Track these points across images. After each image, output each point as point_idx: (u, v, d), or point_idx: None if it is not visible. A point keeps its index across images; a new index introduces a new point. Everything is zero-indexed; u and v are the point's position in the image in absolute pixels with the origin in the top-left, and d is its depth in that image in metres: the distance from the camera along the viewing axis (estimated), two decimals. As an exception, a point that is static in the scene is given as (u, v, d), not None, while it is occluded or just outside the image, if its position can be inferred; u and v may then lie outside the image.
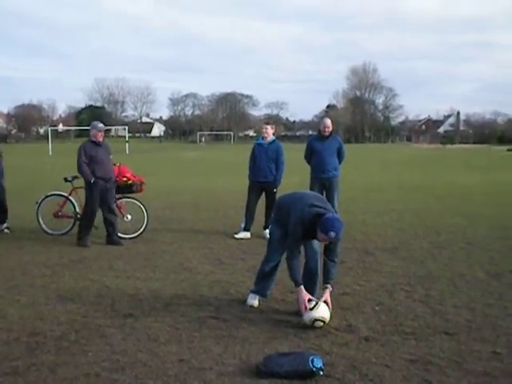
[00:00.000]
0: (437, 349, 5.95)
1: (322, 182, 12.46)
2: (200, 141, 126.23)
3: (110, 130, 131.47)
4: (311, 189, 12.36)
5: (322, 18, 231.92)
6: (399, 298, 7.80)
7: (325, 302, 6.75)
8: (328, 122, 12.71)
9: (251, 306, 7.39)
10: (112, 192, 11.73)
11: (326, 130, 12.51)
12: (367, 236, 12.35)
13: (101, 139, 11.58)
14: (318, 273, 7.32)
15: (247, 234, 12.37)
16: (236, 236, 12.37)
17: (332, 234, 6.46)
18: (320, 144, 12.55)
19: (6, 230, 12.65)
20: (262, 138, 12.46)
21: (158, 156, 58.07)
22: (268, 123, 12.46)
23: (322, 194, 12.02)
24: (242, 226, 12.52)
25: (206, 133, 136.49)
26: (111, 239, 11.62)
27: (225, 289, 8.22)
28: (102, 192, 11.45)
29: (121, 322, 6.76)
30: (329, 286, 6.96)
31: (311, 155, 12.75)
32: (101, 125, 11.64)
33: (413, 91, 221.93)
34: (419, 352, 5.86)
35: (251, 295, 7.53)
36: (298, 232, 6.77)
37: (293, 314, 7.01)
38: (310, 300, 6.72)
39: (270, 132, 12.42)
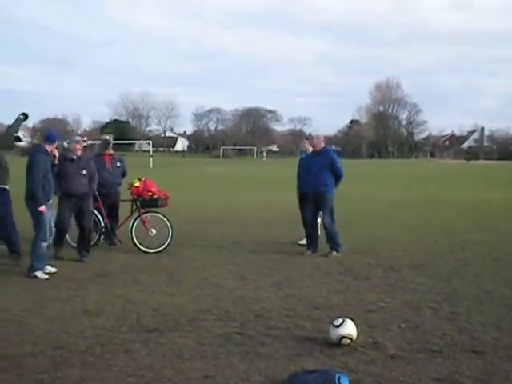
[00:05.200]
0: (464, 367, 5.87)
1: (313, 197, 12.31)
2: (262, 156, 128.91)
3: (134, 145, 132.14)
4: (300, 203, 12.97)
5: (346, 32, 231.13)
6: (425, 316, 7.73)
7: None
8: (315, 136, 12.93)
9: None
10: (85, 208, 11.59)
11: (306, 145, 13.23)
12: (392, 252, 12.27)
13: (78, 153, 11.58)
14: None
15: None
16: (299, 242, 13.05)
17: None
18: (312, 160, 12.60)
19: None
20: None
21: (182, 170, 58.26)
22: (307, 138, 12.92)
23: (315, 210, 12.35)
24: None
25: (267, 148, 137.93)
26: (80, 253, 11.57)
27: (249, 305, 8.19)
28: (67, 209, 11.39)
29: (145, 337, 6.76)
30: None
31: (299, 171, 13.13)
32: (78, 137, 11.74)
33: (436, 106, 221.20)
34: (446, 370, 5.79)
35: None
36: None
37: (319, 331, 6.97)
38: (337, 317, 6.67)
39: (307, 146, 13.23)
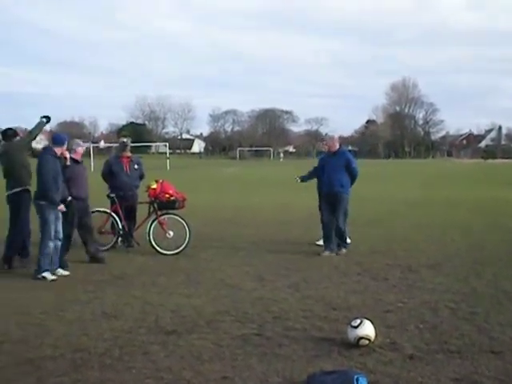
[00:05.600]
0: (482, 368, 5.85)
1: (329, 197, 12.37)
2: (279, 157, 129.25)
3: (150, 147, 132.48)
4: (321, 205, 12.70)
5: (361, 32, 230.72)
6: (443, 316, 7.70)
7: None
8: (329, 137, 13.03)
9: None
10: (87, 211, 11.68)
11: (325, 146, 12.86)
12: (409, 252, 12.23)
13: (80, 157, 11.61)
14: None
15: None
16: (317, 243, 13.09)
17: None
18: (328, 160, 12.63)
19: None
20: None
21: (198, 172, 58.35)
22: (323, 139, 12.98)
23: (331, 210, 12.32)
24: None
25: (283, 149, 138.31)
26: (94, 257, 11.55)
27: (267, 306, 8.20)
28: (76, 212, 11.31)
29: (164, 339, 6.78)
30: None
31: (319, 171, 12.96)
32: (81, 142, 11.80)
33: (453, 106, 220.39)
34: (464, 371, 5.77)
35: None
36: None
37: (337, 332, 6.97)
38: (355, 318, 6.66)
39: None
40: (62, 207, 10.20)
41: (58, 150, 10.35)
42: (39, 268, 10.07)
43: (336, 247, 12.30)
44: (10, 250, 10.76)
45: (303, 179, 13.41)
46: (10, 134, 11.20)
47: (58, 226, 10.36)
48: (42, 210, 10.13)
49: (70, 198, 10.86)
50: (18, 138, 11.24)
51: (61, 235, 10.44)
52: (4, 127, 11.70)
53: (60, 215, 10.41)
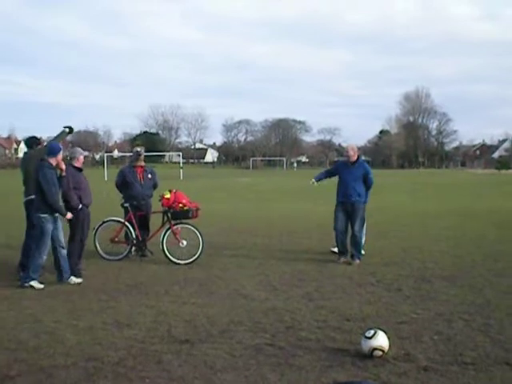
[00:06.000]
0: (497, 380, 5.81)
1: (345, 206, 12.47)
2: (293, 166, 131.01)
3: (164, 156, 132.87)
4: (336, 213, 12.64)
5: (374, 42, 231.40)
6: (458, 327, 7.65)
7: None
8: (350, 147, 12.96)
9: None
10: (89, 218, 11.61)
11: (348, 155, 12.73)
12: (424, 263, 12.16)
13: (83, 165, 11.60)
14: None
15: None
16: (332, 249, 13.27)
17: None
18: (346, 170, 12.66)
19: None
20: None
21: (212, 182, 58.38)
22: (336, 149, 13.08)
23: (346, 218, 12.46)
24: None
25: (296, 159, 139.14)
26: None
27: (280, 316, 8.17)
28: (86, 219, 11.35)
29: (177, 348, 6.77)
30: None
31: (332, 174, 13.05)
32: (81, 150, 11.80)
33: (466, 116, 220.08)
34: (479, 383, 5.73)
35: None
36: None
37: (350, 343, 6.94)
38: (368, 329, 6.63)
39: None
40: (69, 215, 10.27)
41: (53, 161, 10.36)
42: (27, 277, 10.15)
43: (350, 257, 12.35)
44: (25, 258, 10.79)
45: (318, 179, 13.31)
46: (32, 142, 11.28)
47: (59, 236, 10.46)
48: (43, 223, 10.21)
49: (80, 206, 10.91)
50: (39, 146, 11.28)
51: (63, 243, 10.52)
52: (22, 135, 11.81)
53: (60, 225, 10.47)
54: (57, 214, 10.40)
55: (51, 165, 10.30)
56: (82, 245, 11.29)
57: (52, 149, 10.52)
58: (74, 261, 11.05)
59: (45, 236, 10.22)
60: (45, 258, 10.28)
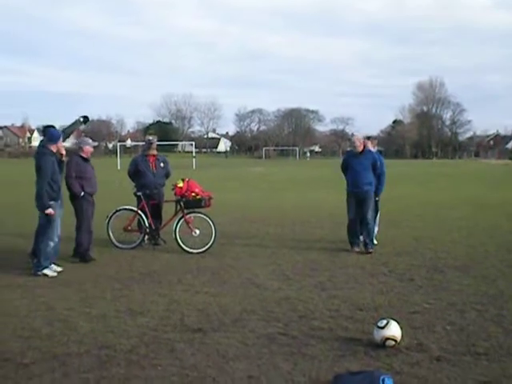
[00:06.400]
0: (510, 370, 5.78)
1: (357, 196, 12.52)
2: (306, 156, 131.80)
3: (176, 146, 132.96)
4: (348, 203, 12.70)
5: (388, 32, 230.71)
6: (470, 318, 7.61)
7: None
8: (355, 138, 12.97)
9: None
10: (94, 207, 11.78)
11: (355, 146, 12.74)
12: (436, 253, 12.12)
13: (90, 155, 11.70)
14: None
15: None
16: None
17: None
18: (354, 160, 12.71)
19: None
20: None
21: (224, 171, 58.40)
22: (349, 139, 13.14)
23: (357, 208, 12.49)
24: None
25: (309, 148, 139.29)
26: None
27: (293, 305, 8.17)
28: (89, 208, 11.54)
29: (190, 337, 6.78)
30: None
31: (346, 170, 12.94)
32: (91, 141, 11.83)
33: (480, 106, 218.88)
34: (492, 373, 5.70)
35: None
36: None
37: (363, 333, 6.93)
38: (381, 319, 6.62)
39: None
40: (50, 211, 10.19)
41: (53, 147, 10.38)
42: (39, 265, 10.20)
43: (363, 246, 12.43)
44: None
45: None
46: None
47: (57, 226, 10.51)
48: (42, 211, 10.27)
49: (82, 194, 11.03)
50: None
51: (56, 236, 10.49)
52: (36, 124, 11.87)
53: (60, 215, 10.53)
54: (59, 201, 10.45)
55: (51, 151, 10.32)
56: (90, 231, 11.47)
57: (52, 135, 10.53)
58: (83, 249, 11.14)
59: (51, 222, 10.25)
60: (52, 244, 10.32)
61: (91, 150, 11.72)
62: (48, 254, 10.27)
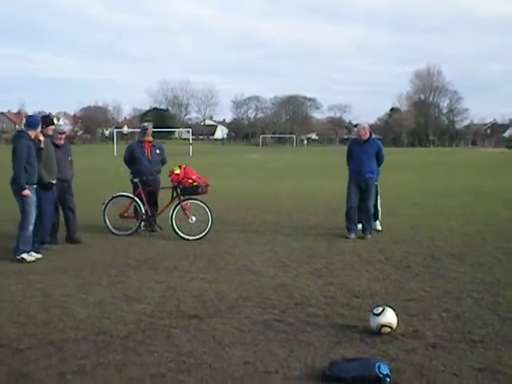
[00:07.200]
0: (506, 358, 5.79)
1: (359, 183, 12.63)
2: (303, 143, 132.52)
3: (173, 133, 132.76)
4: (348, 190, 12.78)
5: (387, 20, 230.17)
6: (467, 305, 7.63)
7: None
8: (361, 127, 12.97)
9: None
10: (70, 191, 11.93)
11: (360, 135, 12.77)
12: (433, 241, 12.14)
13: (61, 141, 11.72)
14: None
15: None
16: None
17: None
18: (359, 148, 12.78)
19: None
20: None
21: (221, 158, 58.36)
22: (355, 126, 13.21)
23: (359, 195, 12.63)
24: None
25: (306, 136, 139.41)
26: (70, 237, 11.88)
27: (289, 292, 8.19)
28: (61, 192, 11.62)
29: (186, 323, 6.80)
30: None
31: (351, 158, 12.98)
32: (62, 127, 11.78)
33: (478, 94, 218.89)
34: (488, 361, 5.72)
35: None
36: None
37: (359, 320, 6.95)
38: (377, 306, 6.64)
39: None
40: (27, 192, 10.18)
41: (32, 133, 10.40)
42: (18, 250, 10.22)
43: (362, 231, 12.61)
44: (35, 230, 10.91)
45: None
46: (47, 121, 11.33)
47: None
48: (19, 195, 10.28)
49: (55, 181, 11.11)
50: (51, 127, 11.35)
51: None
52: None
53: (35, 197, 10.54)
54: (35, 186, 10.46)
55: (30, 137, 10.34)
56: (73, 215, 11.80)
57: (31, 121, 10.63)
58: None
59: (30, 206, 10.29)
60: (31, 228, 10.35)
61: (62, 136, 11.81)
62: (26, 238, 10.28)
